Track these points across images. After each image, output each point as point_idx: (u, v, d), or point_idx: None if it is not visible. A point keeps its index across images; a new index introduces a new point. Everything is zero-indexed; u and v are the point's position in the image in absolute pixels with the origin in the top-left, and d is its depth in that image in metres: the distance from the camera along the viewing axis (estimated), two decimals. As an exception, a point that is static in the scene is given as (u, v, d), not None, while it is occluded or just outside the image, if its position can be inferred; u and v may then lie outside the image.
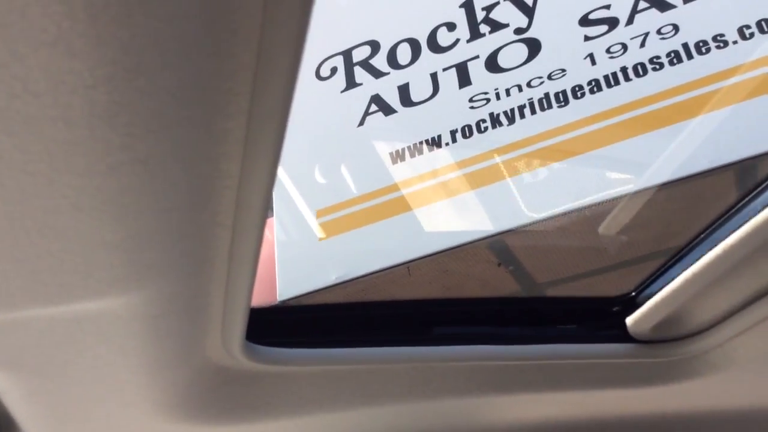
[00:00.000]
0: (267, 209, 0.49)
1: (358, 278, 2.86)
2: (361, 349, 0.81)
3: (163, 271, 0.54)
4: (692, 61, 2.61)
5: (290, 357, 0.77)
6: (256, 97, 0.47)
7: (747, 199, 0.61)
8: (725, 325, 0.73)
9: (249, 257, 0.53)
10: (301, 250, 3.00)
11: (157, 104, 0.42)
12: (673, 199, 2.45)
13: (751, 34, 2.54)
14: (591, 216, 2.69)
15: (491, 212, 2.75)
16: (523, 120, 2.87)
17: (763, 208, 0.58)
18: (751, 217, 0.58)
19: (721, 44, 2.58)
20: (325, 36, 3.48)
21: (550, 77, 2.89)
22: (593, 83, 2.79)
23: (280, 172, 3.24)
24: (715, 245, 0.63)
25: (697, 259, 0.66)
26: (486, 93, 2.99)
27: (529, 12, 3.10)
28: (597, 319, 0.84)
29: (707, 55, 2.59)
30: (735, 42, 2.56)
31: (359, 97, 3.24)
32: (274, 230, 3.10)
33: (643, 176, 2.53)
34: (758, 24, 2.54)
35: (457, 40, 3.19)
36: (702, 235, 0.68)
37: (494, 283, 3.21)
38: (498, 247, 2.89)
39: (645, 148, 2.56)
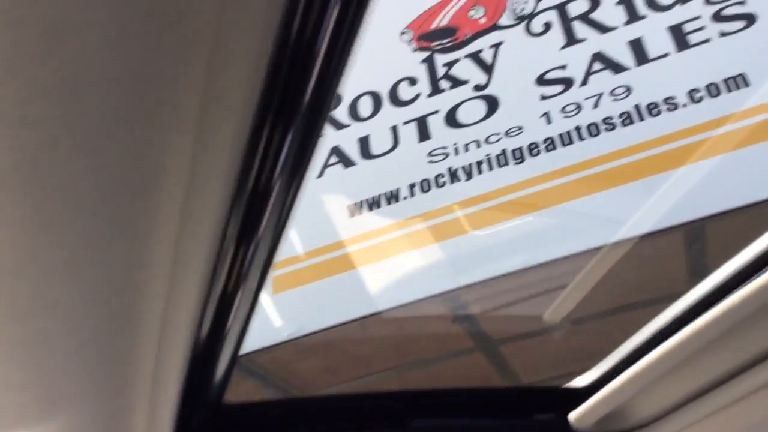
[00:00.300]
0: (195, 325, 0.46)
1: (311, 334, 2.81)
2: None
3: (78, 399, 0.51)
4: (643, 122, 2.66)
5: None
6: (180, 232, 0.45)
7: (690, 299, 0.60)
8: (667, 421, 0.72)
9: (175, 370, 0.49)
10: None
11: (66, 253, 0.39)
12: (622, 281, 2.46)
13: (700, 98, 2.60)
14: (543, 276, 2.68)
15: (447, 267, 2.74)
16: (481, 175, 2.88)
17: (705, 310, 0.57)
18: (694, 317, 0.57)
19: (672, 107, 2.63)
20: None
21: (507, 134, 2.92)
22: (549, 141, 2.82)
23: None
24: (660, 343, 0.62)
25: (642, 356, 0.65)
26: (445, 147, 3.01)
27: (488, 69, 3.14)
28: (541, 411, 0.82)
29: (658, 117, 2.64)
30: (685, 105, 2.61)
31: (320, 149, 3.24)
32: (226, 283, 3.05)
33: (593, 234, 2.54)
34: (707, 88, 2.60)
35: (418, 95, 3.22)
36: (647, 332, 0.67)
37: (448, 340, 3.18)
38: (453, 303, 2.87)
39: (597, 206, 2.58)
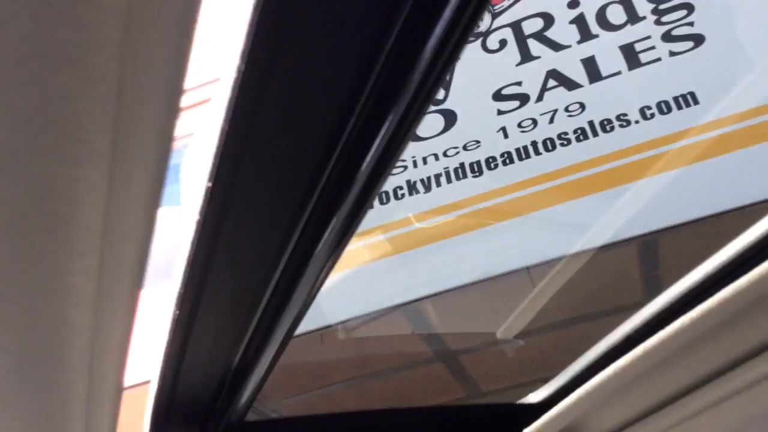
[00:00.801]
0: (124, 355, 0.45)
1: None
2: None
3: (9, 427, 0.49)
4: (597, 138, 2.74)
5: None
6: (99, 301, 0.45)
7: (644, 315, 0.62)
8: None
9: (109, 398, 0.49)
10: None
11: None
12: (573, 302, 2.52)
13: (652, 115, 2.70)
14: (505, 286, 2.73)
15: (407, 280, 2.75)
16: (439, 188, 2.92)
17: (659, 327, 0.59)
18: (648, 335, 0.60)
19: (624, 123, 2.72)
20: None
21: (465, 148, 2.97)
22: (506, 155, 2.88)
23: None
24: (613, 360, 0.64)
25: (595, 373, 0.67)
26: (404, 160, 3.03)
27: (445, 85, 3.19)
28: (496, 429, 0.83)
29: (611, 133, 2.73)
30: (637, 121, 2.71)
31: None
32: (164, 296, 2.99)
33: (550, 246, 2.59)
34: (658, 105, 2.70)
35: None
36: (601, 348, 0.69)
37: (408, 351, 3.19)
38: (413, 315, 2.88)
39: (553, 219, 2.64)
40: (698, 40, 2.75)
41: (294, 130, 0.51)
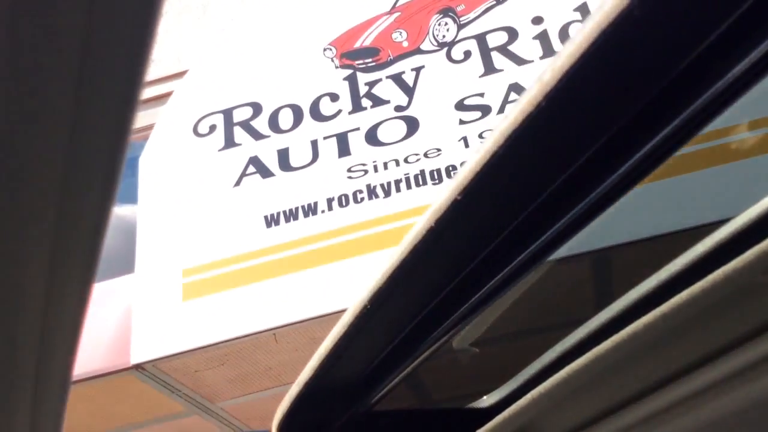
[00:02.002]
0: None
1: (221, 343, 2.76)
2: None
3: None
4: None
5: None
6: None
7: (598, 321, 0.64)
8: None
9: (64, 347, 0.49)
10: (162, 311, 2.87)
11: None
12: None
13: (608, 133, 2.77)
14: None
15: (363, 283, 2.77)
16: (399, 193, 2.95)
17: (610, 333, 0.61)
18: (602, 339, 0.62)
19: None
20: (205, 92, 3.45)
21: (426, 155, 3.00)
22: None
23: (145, 224, 3.12)
24: (566, 364, 0.66)
25: (547, 377, 0.69)
26: (364, 165, 3.05)
27: (409, 92, 3.22)
28: (448, 430, 0.84)
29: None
30: (594, 138, 2.78)
31: (237, 158, 3.21)
32: (134, 288, 2.95)
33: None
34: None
35: (339, 111, 3.25)
36: (554, 354, 0.71)
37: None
38: (366, 318, 2.89)
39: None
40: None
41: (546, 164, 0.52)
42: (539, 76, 0.45)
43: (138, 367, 2.83)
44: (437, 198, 0.54)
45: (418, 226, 0.56)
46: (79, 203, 0.38)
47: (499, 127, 0.49)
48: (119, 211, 3.86)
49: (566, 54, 0.43)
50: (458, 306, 0.65)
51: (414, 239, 0.56)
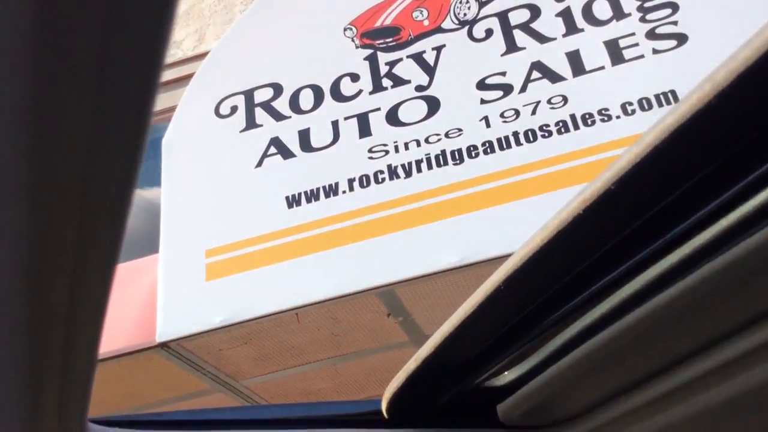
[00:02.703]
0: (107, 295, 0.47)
1: (244, 322, 2.79)
2: None
3: None
4: (579, 131, 2.77)
5: None
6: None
7: (621, 292, 0.64)
8: (592, 416, 0.76)
9: (91, 317, 0.50)
10: (186, 290, 2.91)
11: None
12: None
13: (633, 111, 2.73)
14: (481, 273, 2.76)
15: (383, 263, 2.77)
16: (420, 174, 2.94)
17: (633, 307, 0.61)
18: (626, 312, 0.62)
19: (606, 118, 2.76)
20: (227, 73, 3.45)
21: (447, 135, 2.99)
22: (487, 144, 2.90)
23: (168, 205, 3.15)
24: (589, 339, 0.66)
25: (570, 351, 0.69)
26: (385, 145, 3.05)
27: (430, 71, 3.20)
28: (469, 403, 0.85)
29: (592, 127, 2.76)
30: (618, 117, 2.74)
31: (258, 139, 3.22)
32: (158, 268, 2.99)
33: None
34: (639, 102, 2.74)
35: (360, 91, 3.24)
36: (576, 330, 0.71)
37: (383, 333, 3.21)
38: (388, 298, 2.91)
39: (532, 209, 2.67)
40: (681, 39, 2.79)
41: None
42: (711, 74, 0.45)
43: (163, 345, 2.87)
44: (587, 186, 0.54)
45: (564, 212, 0.56)
46: (104, 183, 0.39)
47: (663, 120, 0.49)
48: (143, 192, 3.90)
49: (742, 57, 0.43)
50: (577, 295, 0.65)
51: (559, 225, 0.56)
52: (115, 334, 2.96)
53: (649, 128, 0.50)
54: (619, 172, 0.51)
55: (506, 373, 0.86)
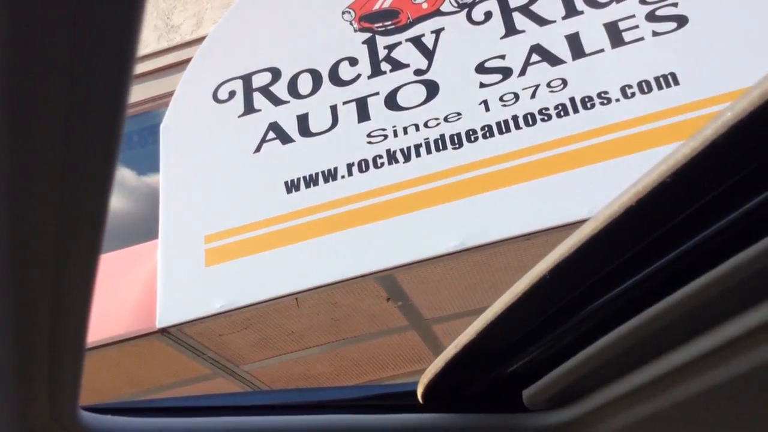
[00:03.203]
0: (97, 253, 0.47)
1: (244, 307, 2.80)
2: (224, 418, 0.78)
3: None
4: (578, 114, 2.76)
5: (136, 428, 0.72)
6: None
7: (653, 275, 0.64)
8: (608, 389, 0.77)
9: (78, 304, 0.50)
10: (186, 276, 2.91)
11: None
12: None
13: (633, 93, 2.72)
14: (480, 258, 2.76)
15: (382, 247, 2.77)
16: (419, 158, 2.93)
17: (663, 295, 0.61)
18: (661, 298, 0.62)
19: (605, 101, 2.75)
20: (224, 58, 3.43)
21: (446, 119, 2.98)
22: (486, 128, 2.89)
23: (167, 190, 3.14)
24: (615, 326, 0.66)
25: (594, 338, 0.69)
26: (384, 129, 3.04)
27: (429, 55, 3.18)
28: (493, 388, 0.85)
29: (592, 110, 2.75)
30: (618, 100, 2.73)
31: (257, 124, 3.21)
32: (158, 253, 2.99)
33: (530, 220, 2.62)
34: (639, 84, 2.73)
35: (359, 76, 3.23)
36: (606, 313, 0.71)
37: (382, 318, 3.22)
38: (387, 283, 2.91)
39: (532, 193, 2.67)
40: (681, 21, 2.77)
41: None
42: None
43: (163, 331, 2.88)
44: (641, 179, 0.54)
45: (616, 203, 0.56)
46: (82, 172, 0.39)
47: (722, 116, 0.49)
48: (142, 178, 3.89)
49: None
50: (615, 286, 0.65)
51: (610, 216, 0.56)
52: (116, 320, 2.96)
53: (708, 123, 0.50)
54: (675, 165, 0.51)
55: (529, 359, 0.86)
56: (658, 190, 0.53)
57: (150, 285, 2.99)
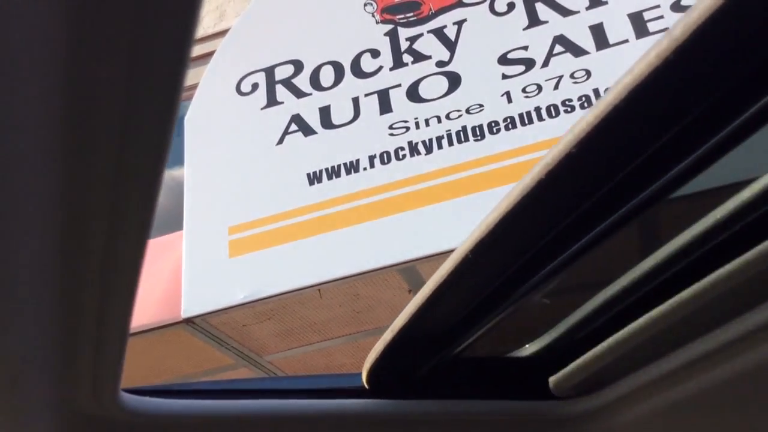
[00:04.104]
0: (143, 247, 0.48)
1: (267, 298, 2.82)
2: (257, 401, 0.79)
3: (13, 321, 0.52)
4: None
5: (175, 409, 0.73)
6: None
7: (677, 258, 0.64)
8: (634, 377, 0.77)
9: (124, 287, 0.51)
10: (210, 267, 2.94)
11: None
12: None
13: (656, 85, 2.70)
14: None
15: (405, 239, 2.78)
16: (441, 150, 2.93)
17: (691, 282, 0.62)
18: (691, 282, 0.62)
19: (629, 92, 2.73)
20: (247, 51, 3.45)
21: (468, 111, 2.97)
22: (509, 120, 2.88)
23: (192, 182, 3.18)
24: (644, 313, 0.66)
25: (622, 325, 0.69)
26: (406, 121, 3.04)
27: (451, 46, 3.18)
28: (521, 376, 0.86)
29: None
30: (641, 91, 2.71)
31: (279, 116, 3.23)
32: (183, 244, 3.02)
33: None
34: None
35: (380, 68, 3.23)
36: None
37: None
38: (409, 274, 2.92)
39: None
40: (707, 10, 2.74)
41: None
42: (669, 31, 0.45)
43: (188, 321, 2.92)
44: (549, 151, 0.54)
45: (528, 178, 0.56)
46: (135, 162, 0.40)
47: (621, 80, 0.49)
48: (168, 170, 3.94)
49: (700, 8, 0.43)
50: (549, 261, 0.65)
51: (523, 191, 0.56)
52: (141, 310, 3.00)
53: (608, 89, 0.50)
54: (580, 134, 0.51)
55: (527, 345, 0.87)
56: (566, 162, 0.53)
57: (175, 276, 3.03)
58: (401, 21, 3.35)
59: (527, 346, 0.87)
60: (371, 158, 3.01)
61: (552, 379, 0.83)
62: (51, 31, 0.32)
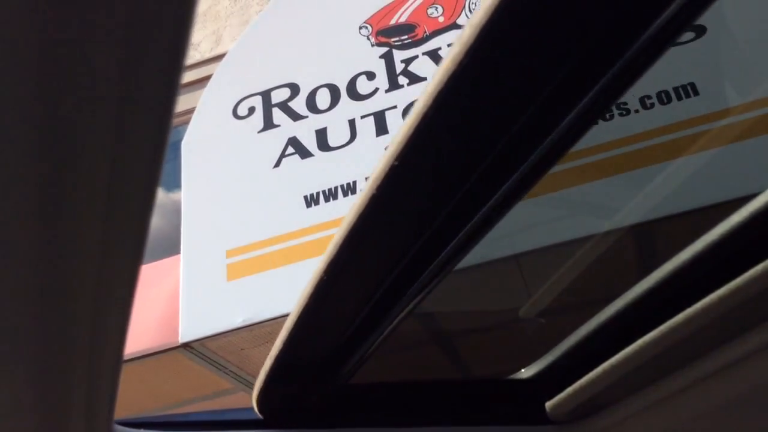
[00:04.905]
0: (134, 281, 0.48)
1: (265, 321, 2.81)
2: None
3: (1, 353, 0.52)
4: (596, 126, 2.76)
5: None
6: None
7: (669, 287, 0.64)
8: (629, 402, 0.76)
9: (116, 320, 0.51)
10: (208, 291, 2.93)
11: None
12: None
13: (652, 104, 2.71)
14: (503, 268, 2.75)
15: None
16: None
17: (681, 307, 0.61)
18: (672, 315, 0.62)
19: (624, 112, 2.74)
20: (244, 75, 3.47)
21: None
22: (505, 140, 2.89)
23: (189, 206, 3.18)
24: (637, 337, 0.66)
25: (618, 349, 0.69)
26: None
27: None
28: (517, 400, 0.85)
29: (610, 122, 2.74)
30: (637, 111, 2.72)
31: (276, 139, 3.24)
32: (180, 268, 3.02)
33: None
34: (658, 95, 2.71)
35: (376, 90, 3.25)
36: (619, 325, 0.71)
37: (405, 332, 3.19)
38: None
39: (554, 205, 2.66)
40: (700, 30, 2.76)
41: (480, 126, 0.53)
42: (460, 35, 0.46)
43: (186, 345, 2.90)
44: (377, 165, 0.55)
45: (362, 193, 0.57)
46: (127, 183, 0.40)
47: (426, 89, 0.50)
48: (164, 194, 3.94)
49: (486, 6, 0.44)
50: (419, 273, 0.65)
51: (360, 207, 0.57)
52: (139, 334, 2.99)
53: (419, 98, 0.51)
54: (398, 146, 0.52)
55: (523, 370, 0.86)
56: (391, 174, 0.53)
57: (173, 300, 3.02)
58: (396, 43, 3.37)
59: (523, 370, 0.87)
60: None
61: (549, 404, 0.83)
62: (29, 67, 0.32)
